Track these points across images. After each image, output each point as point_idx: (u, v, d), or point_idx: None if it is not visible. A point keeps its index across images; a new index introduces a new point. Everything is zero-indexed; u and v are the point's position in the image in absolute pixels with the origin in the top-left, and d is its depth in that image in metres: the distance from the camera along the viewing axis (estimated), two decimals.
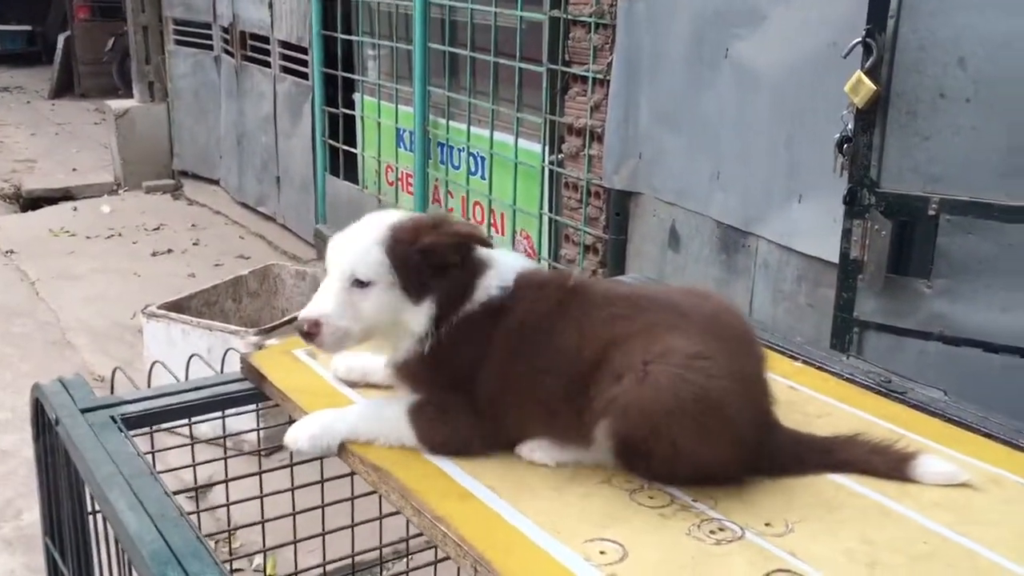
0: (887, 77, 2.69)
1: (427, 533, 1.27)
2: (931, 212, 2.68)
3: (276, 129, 6.85)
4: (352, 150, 6.15)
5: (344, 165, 6.23)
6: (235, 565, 3.07)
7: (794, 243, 3.50)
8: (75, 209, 7.64)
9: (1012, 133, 2.55)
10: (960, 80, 2.59)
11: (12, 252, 6.69)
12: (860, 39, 2.69)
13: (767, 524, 1.27)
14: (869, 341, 2.91)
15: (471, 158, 5.22)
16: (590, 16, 4.22)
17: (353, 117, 6.13)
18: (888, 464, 1.37)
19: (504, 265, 1.46)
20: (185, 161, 8.15)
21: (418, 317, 1.40)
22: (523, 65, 4.66)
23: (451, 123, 5.24)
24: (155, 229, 7.14)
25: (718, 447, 1.32)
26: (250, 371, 1.70)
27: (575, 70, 4.38)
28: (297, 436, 1.44)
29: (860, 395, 1.66)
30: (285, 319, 4.26)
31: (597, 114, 4.32)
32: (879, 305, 2.85)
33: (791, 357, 1.80)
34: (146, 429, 1.65)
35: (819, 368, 1.77)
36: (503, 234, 5.01)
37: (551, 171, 4.64)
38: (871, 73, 2.68)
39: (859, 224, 2.80)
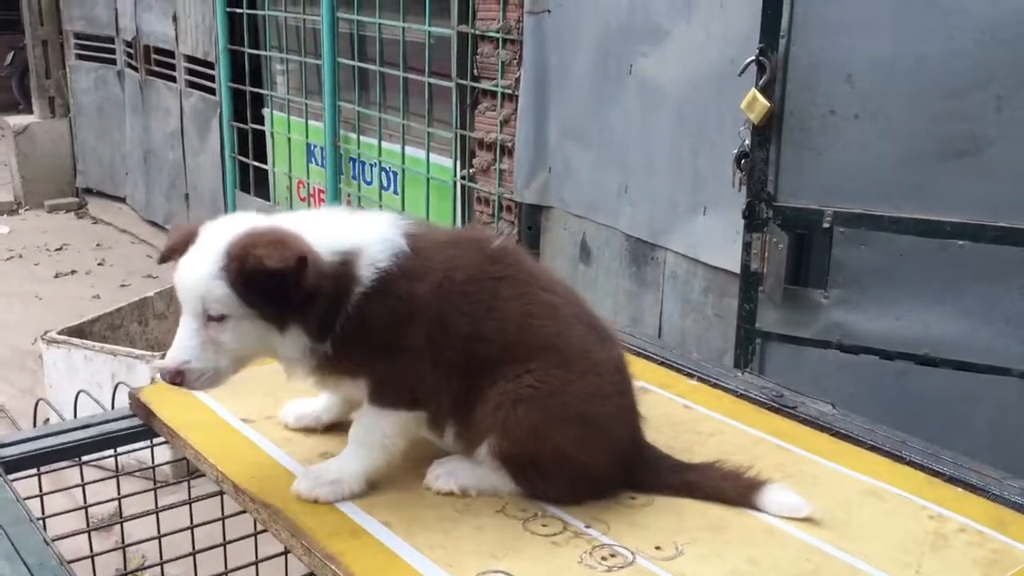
0: (780, 94, 2.76)
1: (317, 573, 1.25)
2: (825, 224, 2.76)
3: (184, 145, 6.72)
4: (262, 166, 6.07)
5: (255, 181, 6.14)
6: None
7: (700, 255, 3.57)
8: None
9: (898, 147, 2.64)
10: (849, 97, 2.67)
11: None
12: (753, 57, 2.75)
13: (657, 547, 1.28)
14: (771, 351, 2.97)
15: (383, 173, 5.20)
16: (497, 32, 4.24)
17: (262, 132, 6.05)
18: (737, 491, 1.39)
19: (376, 238, 1.36)
20: (89, 178, 7.93)
21: (287, 344, 1.33)
22: (432, 80, 4.66)
23: (362, 138, 5.21)
24: (58, 249, 6.93)
25: (598, 455, 1.37)
26: (139, 407, 1.65)
27: (484, 85, 4.39)
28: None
29: (753, 412, 1.70)
30: None
31: (507, 128, 4.34)
32: (780, 316, 2.91)
33: (687, 375, 1.83)
34: (33, 471, 1.59)
35: (714, 385, 1.80)
36: None
37: (463, 186, 4.65)
38: (765, 90, 2.75)
39: (758, 237, 2.86)
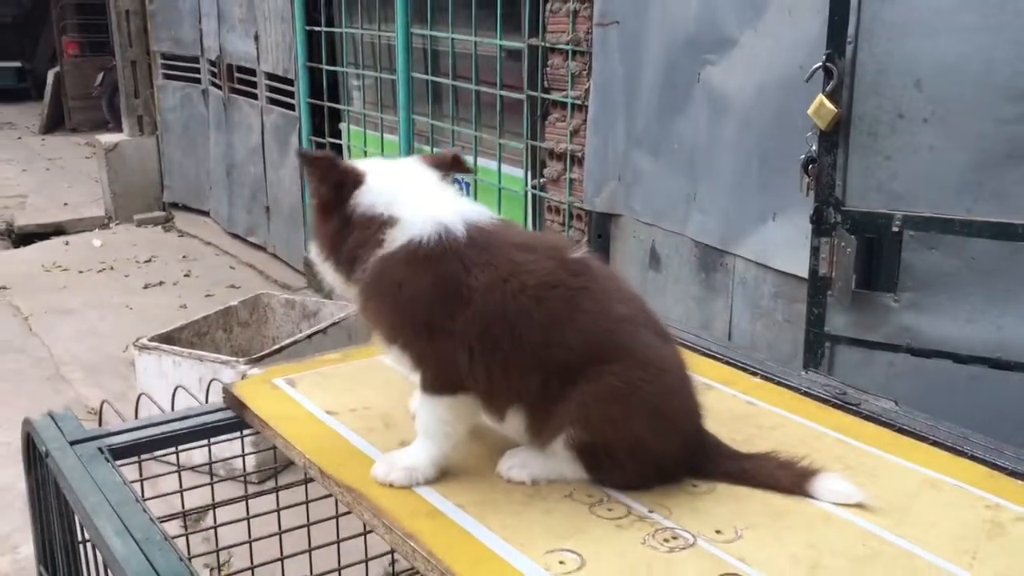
0: (848, 100, 2.79)
1: (398, 549, 1.34)
2: (895, 228, 2.77)
3: (265, 160, 6.95)
4: None
5: None
6: None
7: (769, 260, 3.59)
8: (67, 244, 7.72)
9: (968, 150, 2.65)
10: (917, 101, 2.69)
11: (4, 288, 6.76)
12: (820, 64, 2.78)
13: (718, 531, 1.34)
14: (840, 355, 2.99)
15: (456, 184, 5.30)
16: (567, 44, 4.32)
17: (340, 146, 6.23)
18: (791, 479, 1.44)
19: (424, 214, 1.44)
20: (175, 193, 8.24)
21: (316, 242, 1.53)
22: (504, 92, 4.76)
23: (435, 150, 5.34)
24: (146, 261, 7.21)
25: (669, 444, 1.45)
26: (232, 400, 1.77)
27: (554, 96, 4.48)
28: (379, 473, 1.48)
29: (815, 408, 1.74)
30: (275, 347, 4.34)
31: (576, 139, 4.42)
32: (848, 320, 2.93)
33: (751, 373, 1.88)
34: (134, 459, 1.71)
35: (777, 383, 1.85)
36: None
37: (534, 195, 4.74)
38: (832, 96, 2.78)
39: (826, 242, 2.89)
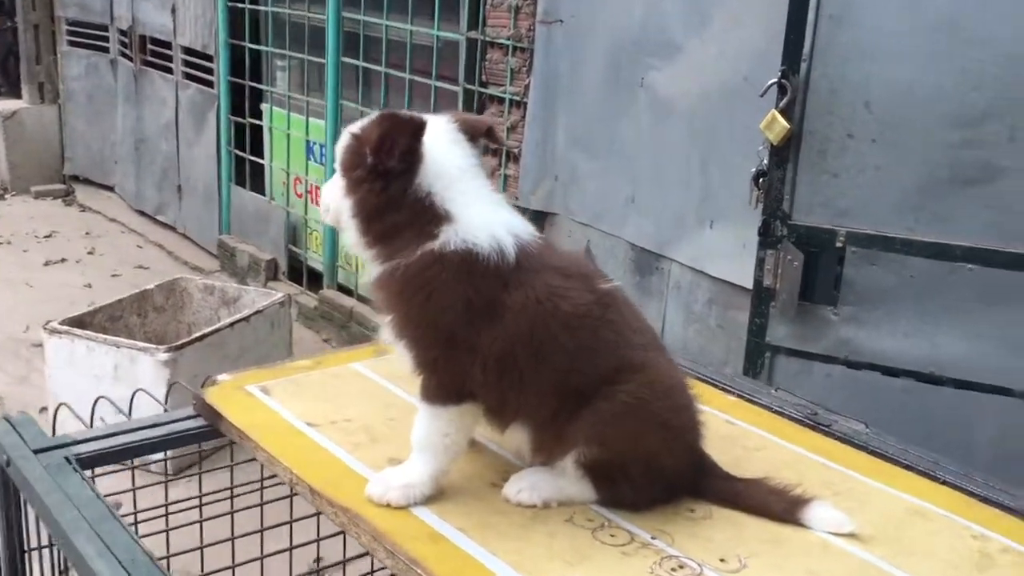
0: (800, 116, 2.85)
1: (401, 575, 1.31)
2: (838, 244, 2.84)
3: (178, 137, 6.71)
4: (259, 160, 6.08)
5: (251, 175, 6.15)
6: None
7: (706, 267, 3.65)
8: None
9: (913, 172, 2.73)
10: (867, 122, 2.76)
11: None
12: (776, 80, 2.83)
13: (722, 560, 1.35)
14: (779, 364, 3.06)
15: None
16: (508, 39, 4.29)
17: (260, 127, 6.06)
18: (783, 506, 1.46)
19: (482, 219, 1.40)
20: (77, 166, 7.89)
21: (347, 207, 1.43)
22: (439, 84, 4.70)
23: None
24: (47, 237, 6.89)
25: (679, 459, 1.47)
26: (205, 408, 1.70)
27: (492, 91, 4.45)
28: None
29: (791, 428, 1.77)
30: (197, 335, 4.19)
31: (514, 135, 4.40)
32: (789, 331, 3.00)
33: (725, 391, 1.90)
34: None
35: (751, 402, 1.87)
36: None
37: None
38: (785, 112, 2.83)
39: (772, 254, 2.95)
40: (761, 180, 2.93)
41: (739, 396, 1.88)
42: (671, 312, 3.86)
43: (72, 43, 7.73)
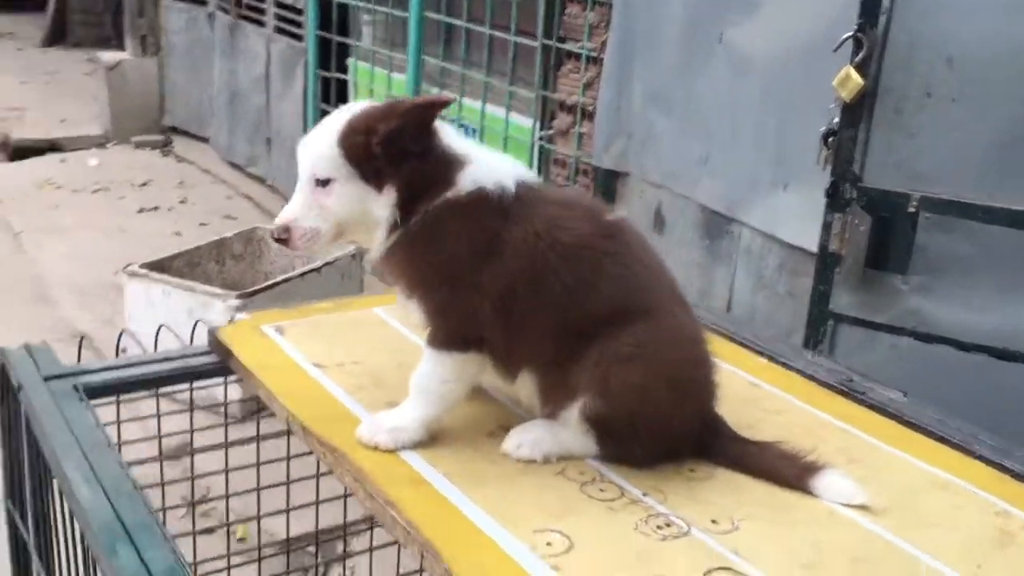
0: (876, 73, 2.69)
1: (378, 516, 1.28)
2: (911, 209, 2.69)
3: (269, 90, 6.81)
4: None
5: None
6: (208, 527, 3.09)
7: (777, 231, 3.51)
8: (63, 161, 7.59)
9: (996, 134, 2.56)
10: (947, 80, 2.59)
11: None
12: (851, 33, 2.67)
13: (714, 521, 1.28)
14: (843, 334, 2.93)
15: (462, 129, 5.19)
16: None
17: (346, 82, 6.09)
18: (794, 472, 1.38)
19: (490, 164, 1.41)
20: (175, 117, 8.09)
21: (382, 204, 1.38)
22: (518, 39, 4.63)
23: (444, 93, 5.22)
24: (142, 185, 7.10)
25: (688, 417, 1.41)
26: (217, 345, 1.70)
27: (569, 47, 4.35)
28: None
29: (821, 394, 1.68)
30: (266, 284, 4.27)
31: (589, 92, 4.31)
32: (855, 299, 2.86)
33: (758, 353, 1.82)
34: (113, 398, 1.65)
35: (783, 365, 1.78)
36: None
37: (540, 147, 4.64)
38: (860, 68, 2.68)
39: (839, 218, 2.81)
40: (831, 140, 2.79)
41: (770, 358, 1.79)
42: (740, 278, 3.74)
43: None
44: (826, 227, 2.85)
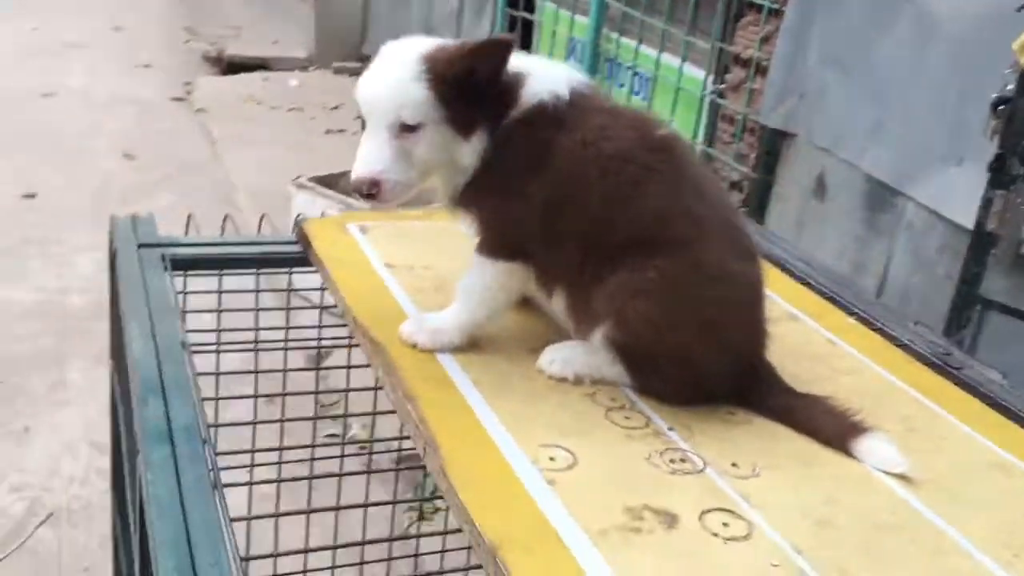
0: None
1: (397, 409, 1.30)
2: None
3: (459, 26, 6.90)
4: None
5: None
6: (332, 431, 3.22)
7: (944, 209, 3.26)
8: (266, 79, 8.01)
9: None
10: None
11: (203, 111, 7.11)
12: None
13: (734, 464, 1.22)
14: (991, 323, 2.71)
15: (636, 78, 5.11)
16: None
17: (531, 23, 6.09)
18: (834, 429, 1.28)
19: (546, 72, 1.37)
20: (373, 46, 8.28)
21: (469, 150, 1.33)
22: None
23: (622, 39, 5.13)
24: (334, 108, 7.39)
25: (717, 363, 1.33)
26: (300, 236, 1.76)
27: None
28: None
29: (904, 362, 1.56)
30: None
31: (766, 47, 4.12)
32: (1009, 284, 2.63)
33: (848, 311, 1.70)
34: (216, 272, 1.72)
35: (875, 328, 1.66)
36: None
37: (711, 101, 4.49)
38: None
39: (1002, 195, 2.59)
40: (1000, 108, 2.56)
41: (861, 319, 1.68)
42: (898, 255, 3.51)
43: None
44: (985, 204, 2.63)
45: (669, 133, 1.39)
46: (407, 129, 1.30)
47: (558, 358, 1.39)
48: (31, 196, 5.45)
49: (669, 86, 4.72)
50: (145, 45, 8.64)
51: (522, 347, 1.45)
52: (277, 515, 1.59)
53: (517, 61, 1.37)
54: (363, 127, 1.37)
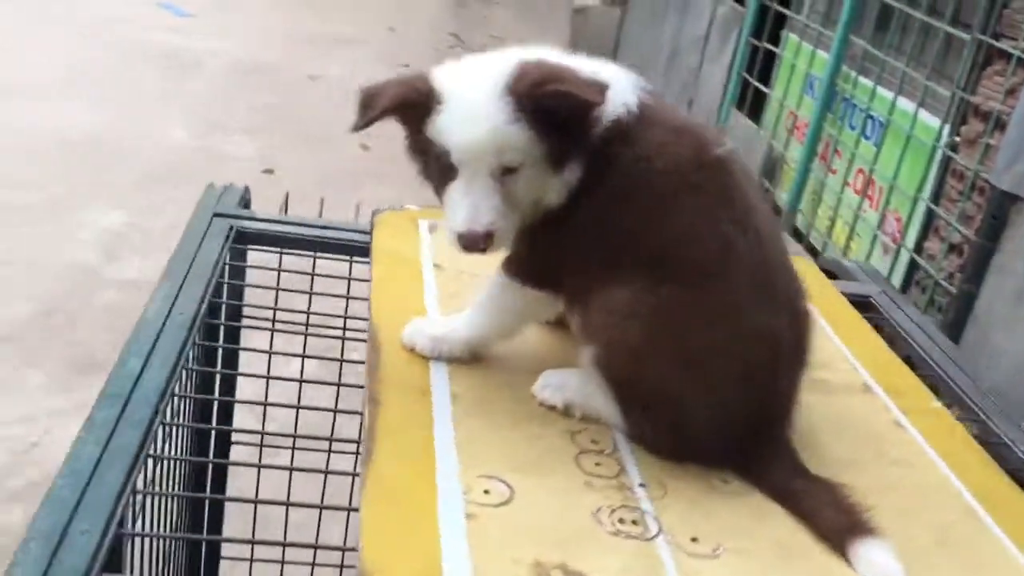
0: None
1: (363, 408, 1.24)
2: None
3: (704, 52, 6.74)
4: (763, 88, 5.87)
5: (751, 102, 5.99)
6: None
7: None
8: None
9: None
10: None
11: None
12: None
13: (693, 539, 1.06)
14: None
15: (869, 121, 4.75)
16: None
17: (771, 53, 5.82)
18: (833, 525, 1.09)
19: (615, 81, 1.23)
20: (622, 64, 8.32)
21: (560, 185, 1.21)
22: (949, 29, 4.09)
23: (860, 79, 4.78)
24: None
25: (705, 416, 1.18)
26: (371, 225, 1.74)
27: (1002, 44, 3.75)
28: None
29: (979, 464, 1.30)
30: None
31: (1010, 99, 3.69)
32: None
33: (936, 391, 1.46)
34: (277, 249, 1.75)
35: (973, 420, 1.41)
36: (875, 208, 4.54)
37: (943, 153, 4.08)
38: None
39: None
40: None
41: (949, 405, 1.43)
42: None
43: None
44: None
45: (726, 153, 1.24)
46: (508, 172, 1.19)
47: (552, 383, 1.28)
48: (269, 171, 5.86)
49: (901, 133, 4.34)
50: (410, 46, 9.08)
51: (527, 367, 1.34)
52: (288, 504, 1.56)
53: (582, 64, 1.24)
54: (435, 167, 1.24)
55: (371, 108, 1.20)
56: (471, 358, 1.33)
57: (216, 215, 1.69)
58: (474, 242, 1.19)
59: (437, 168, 1.21)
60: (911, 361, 1.57)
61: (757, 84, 5.90)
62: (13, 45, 6.55)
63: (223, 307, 1.51)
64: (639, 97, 1.24)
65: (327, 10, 9.66)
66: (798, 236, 5.13)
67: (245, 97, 6.89)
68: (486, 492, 1.08)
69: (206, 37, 7.75)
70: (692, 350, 1.16)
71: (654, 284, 1.16)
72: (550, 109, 1.15)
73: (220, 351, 1.55)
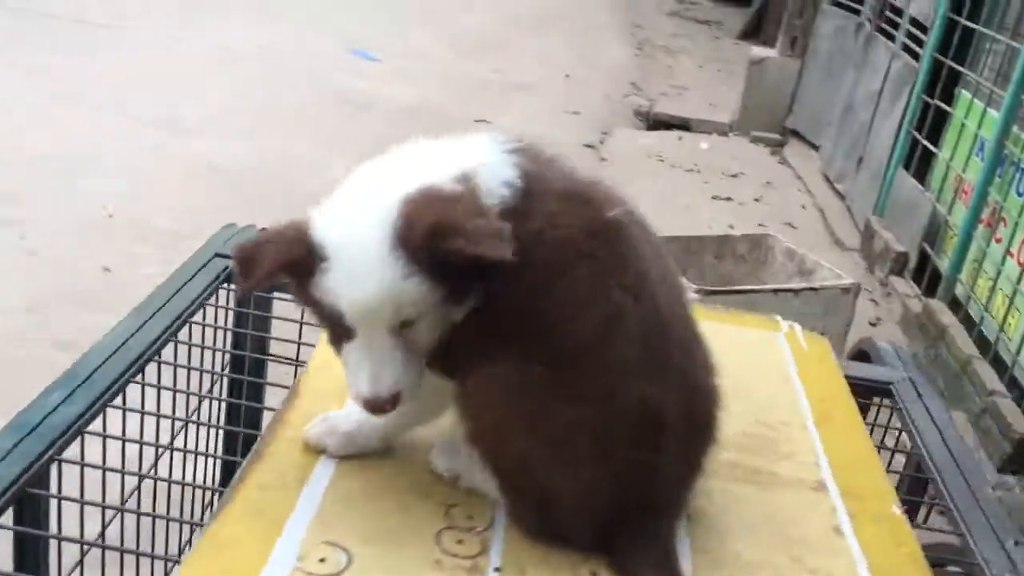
0: None
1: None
2: None
3: (877, 107, 6.40)
4: (932, 148, 5.50)
5: (918, 161, 5.63)
6: None
7: None
8: (680, 139, 8.05)
9: None
10: None
11: (605, 160, 7.35)
12: None
13: None
14: None
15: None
16: None
17: (943, 112, 5.45)
18: None
19: (485, 160, 1.15)
20: (798, 120, 8.04)
21: (463, 308, 1.13)
22: None
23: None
24: (732, 176, 7.23)
25: (573, 508, 1.11)
26: None
27: None
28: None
29: None
30: (729, 288, 4.12)
31: None
32: None
33: (921, 503, 1.29)
34: None
35: (946, 531, 1.24)
36: None
37: None
38: None
39: None
40: None
41: (941, 512, 1.26)
42: None
43: (834, 2, 7.79)
44: None
45: (618, 215, 1.14)
46: (407, 324, 1.12)
47: (441, 450, 1.24)
48: None
49: None
50: (585, 94, 9.13)
51: (429, 432, 1.28)
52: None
53: (442, 152, 1.18)
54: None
55: (249, 276, 1.11)
56: (382, 447, 1.26)
57: (218, 255, 1.74)
58: (380, 407, 1.12)
59: (331, 327, 1.14)
60: (910, 457, 1.40)
61: (926, 143, 5.54)
62: (204, 86, 7.05)
63: (189, 348, 1.54)
64: (519, 168, 1.15)
65: (511, 58, 9.86)
66: (956, 306, 4.75)
67: (405, 138, 7.13)
68: (321, 560, 1.04)
69: (386, 81, 8.10)
70: (553, 428, 1.08)
71: (527, 360, 1.09)
72: (446, 260, 1.07)
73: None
